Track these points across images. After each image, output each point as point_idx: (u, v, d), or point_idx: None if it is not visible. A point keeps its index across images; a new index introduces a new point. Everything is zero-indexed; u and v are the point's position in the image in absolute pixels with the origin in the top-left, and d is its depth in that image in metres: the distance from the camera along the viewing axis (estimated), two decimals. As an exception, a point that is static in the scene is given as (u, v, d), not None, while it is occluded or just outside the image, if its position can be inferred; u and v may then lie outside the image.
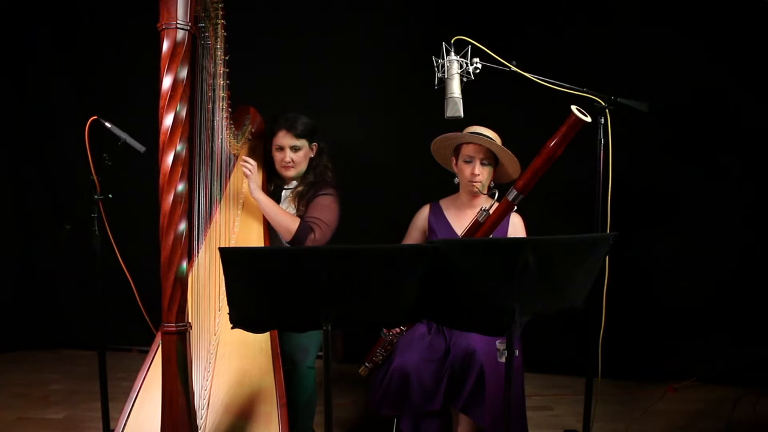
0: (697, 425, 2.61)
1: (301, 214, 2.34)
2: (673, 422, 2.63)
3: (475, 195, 2.30)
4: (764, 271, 2.91)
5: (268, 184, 2.44)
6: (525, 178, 1.90)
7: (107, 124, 2.00)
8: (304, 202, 2.36)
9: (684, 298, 3.03)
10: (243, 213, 2.32)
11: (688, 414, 2.71)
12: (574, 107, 1.81)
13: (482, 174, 2.23)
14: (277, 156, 2.35)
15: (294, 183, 2.43)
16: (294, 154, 2.33)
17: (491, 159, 2.23)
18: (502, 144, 2.25)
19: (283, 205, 2.39)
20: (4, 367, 3.35)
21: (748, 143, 2.91)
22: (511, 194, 1.93)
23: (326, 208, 2.31)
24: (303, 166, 2.38)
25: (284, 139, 2.31)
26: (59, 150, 3.42)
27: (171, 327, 1.46)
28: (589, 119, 1.83)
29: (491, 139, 2.20)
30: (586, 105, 1.90)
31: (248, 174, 2.24)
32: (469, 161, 2.24)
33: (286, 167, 2.35)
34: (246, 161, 2.24)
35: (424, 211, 2.41)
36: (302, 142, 2.33)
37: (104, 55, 3.33)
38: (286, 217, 2.27)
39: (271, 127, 2.38)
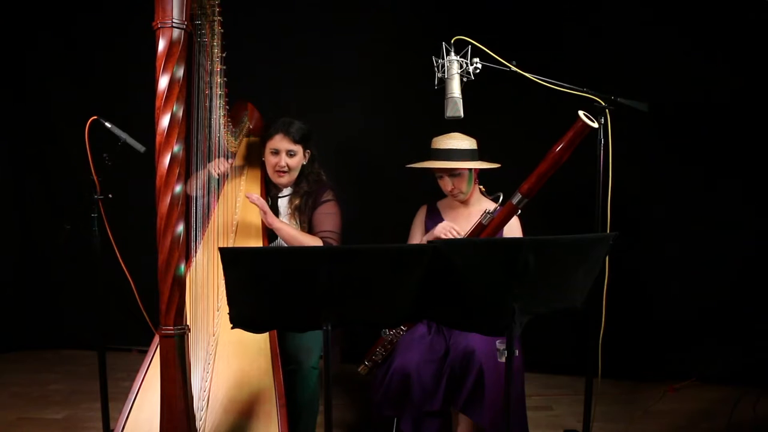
0: (697, 425, 2.61)
1: (306, 231, 2.33)
2: (673, 422, 2.63)
3: (463, 200, 2.32)
4: (765, 270, 2.91)
5: (266, 197, 2.39)
6: (530, 182, 1.90)
7: (107, 124, 2.00)
8: (305, 215, 2.34)
9: (684, 298, 3.03)
10: (241, 212, 2.32)
11: (688, 414, 2.71)
12: (581, 112, 1.80)
13: (457, 185, 2.24)
14: (272, 160, 2.32)
15: (287, 190, 2.42)
16: (289, 159, 2.31)
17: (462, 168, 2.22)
18: (479, 144, 2.25)
19: (284, 220, 2.36)
20: (4, 367, 3.35)
21: (748, 144, 2.91)
22: (516, 198, 1.93)
23: (332, 216, 2.32)
24: (295, 175, 2.36)
25: (281, 142, 2.29)
26: (59, 150, 3.42)
27: (169, 330, 1.45)
28: (596, 125, 1.83)
29: (453, 150, 2.19)
30: (587, 105, 1.90)
31: (263, 207, 2.16)
32: (441, 177, 2.26)
33: (280, 173, 2.32)
34: (250, 196, 2.16)
35: (421, 213, 2.42)
36: (298, 147, 2.31)
37: (104, 55, 3.33)
38: (307, 239, 2.26)
39: (266, 132, 2.35)
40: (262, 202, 2.17)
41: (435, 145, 2.25)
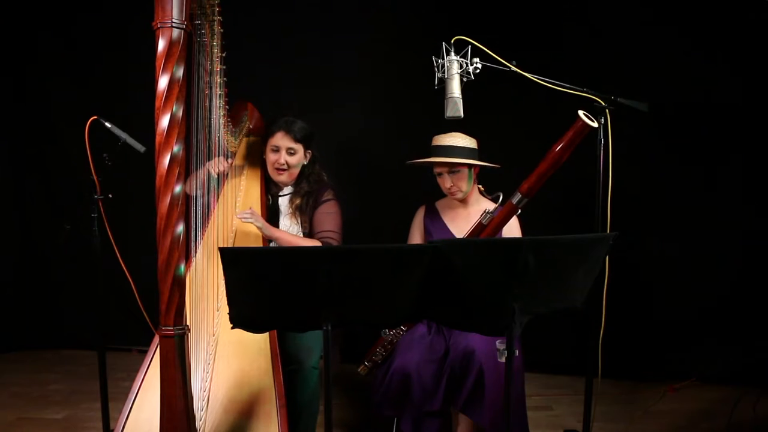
0: (697, 425, 2.61)
1: (307, 230, 2.34)
2: (673, 422, 2.63)
3: (461, 200, 2.31)
4: (765, 270, 2.91)
5: (266, 195, 2.38)
6: (530, 181, 1.90)
7: (107, 124, 2.00)
8: (306, 215, 2.35)
9: (684, 298, 3.03)
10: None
11: (688, 414, 2.71)
12: (581, 112, 1.80)
13: (456, 183, 2.24)
14: (272, 157, 2.32)
15: (288, 189, 2.42)
16: (289, 157, 2.31)
17: (461, 164, 2.22)
18: (479, 144, 2.25)
19: (285, 220, 2.37)
20: (4, 367, 3.35)
21: (748, 144, 2.91)
22: (516, 197, 1.93)
23: (333, 216, 2.33)
24: (295, 173, 2.36)
25: (282, 140, 2.30)
26: (59, 150, 3.42)
27: (169, 330, 1.45)
28: (596, 125, 1.82)
29: (453, 147, 2.20)
30: (587, 105, 1.90)
31: (258, 223, 2.13)
32: (440, 175, 2.25)
33: (279, 170, 2.32)
34: (243, 216, 2.11)
35: (420, 213, 2.42)
36: (299, 146, 2.31)
37: (104, 55, 3.33)
38: (305, 243, 2.27)
39: (268, 129, 2.36)
40: (256, 217, 2.14)
41: (436, 143, 2.25)
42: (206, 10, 1.76)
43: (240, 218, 2.13)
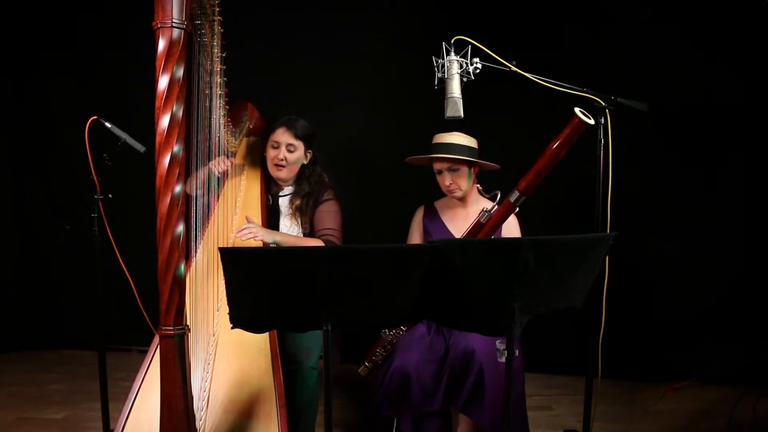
0: (697, 425, 2.61)
1: (307, 231, 2.34)
2: (673, 422, 2.63)
3: (461, 198, 2.30)
4: (765, 270, 2.91)
5: (267, 195, 2.38)
6: (527, 179, 1.90)
7: (107, 124, 2.00)
8: (306, 217, 2.35)
9: (684, 298, 3.03)
10: (241, 212, 2.32)
11: (688, 414, 2.71)
12: (577, 109, 1.80)
13: (455, 181, 2.24)
14: (271, 153, 2.33)
15: (288, 189, 2.42)
16: (289, 153, 2.31)
17: (462, 162, 2.21)
18: (479, 143, 2.26)
19: (285, 220, 2.38)
20: (4, 367, 3.35)
21: (748, 144, 2.91)
22: (513, 196, 1.93)
23: (333, 214, 2.33)
24: (294, 170, 2.37)
25: (282, 136, 2.30)
26: (59, 150, 3.42)
27: (169, 330, 1.45)
28: (592, 122, 1.83)
29: (454, 144, 2.20)
30: (587, 105, 1.90)
31: (256, 236, 2.09)
32: (440, 172, 2.25)
33: (278, 166, 2.32)
34: (240, 234, 2.06)
35: (419, 213, 2.42)
36: (299, 143, 2.32)
37: (104, 55, 3.33)
38: (309, 243, 2.28)
39: (270, 126, 2.37)
40: (255, 230, 2.09)
41: (436, 140, 2.25)
42: (206, 10, 1.76)
43: (239, 236, 2.08)
